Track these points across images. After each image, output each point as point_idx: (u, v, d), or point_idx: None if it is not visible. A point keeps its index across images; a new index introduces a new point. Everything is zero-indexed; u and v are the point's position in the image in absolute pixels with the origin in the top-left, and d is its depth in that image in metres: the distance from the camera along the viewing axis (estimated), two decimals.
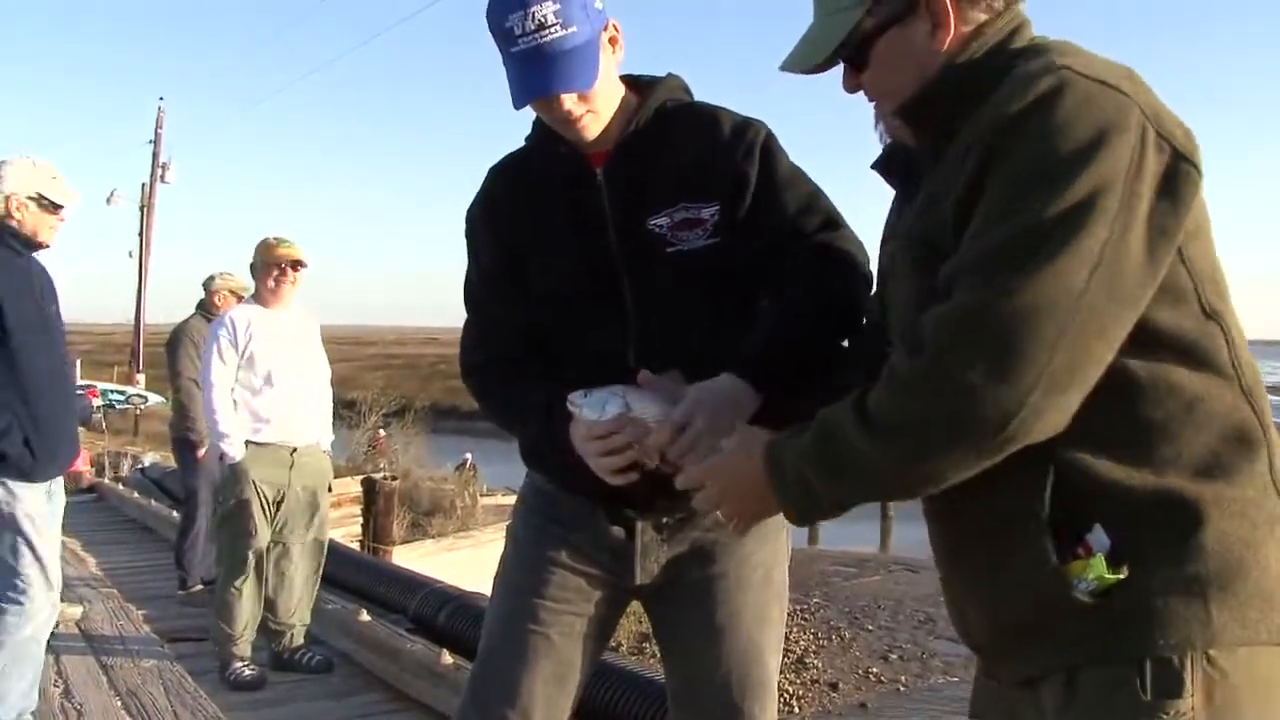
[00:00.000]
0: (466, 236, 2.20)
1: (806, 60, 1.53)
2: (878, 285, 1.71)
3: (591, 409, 1.86)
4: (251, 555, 5.04)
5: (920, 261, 1.42)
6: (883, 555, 17.81)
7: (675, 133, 2.07)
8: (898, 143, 1.64)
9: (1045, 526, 1.33)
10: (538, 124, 2.13)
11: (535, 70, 1.90)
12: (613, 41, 2.02)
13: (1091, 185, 1.23)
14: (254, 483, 5.00)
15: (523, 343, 2.12)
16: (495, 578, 2.22)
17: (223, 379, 5.04)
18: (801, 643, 11.88)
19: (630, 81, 2.12)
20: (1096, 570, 1.30)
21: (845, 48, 1.49)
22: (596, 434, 1.86)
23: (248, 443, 5.04)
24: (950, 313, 1.28)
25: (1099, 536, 1.32)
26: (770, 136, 2.08)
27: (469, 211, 2.20)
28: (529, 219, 2.10)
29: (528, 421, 2.06)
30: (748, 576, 2.10)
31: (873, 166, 1.69)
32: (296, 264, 5.17)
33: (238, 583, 5.04)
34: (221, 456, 5.10)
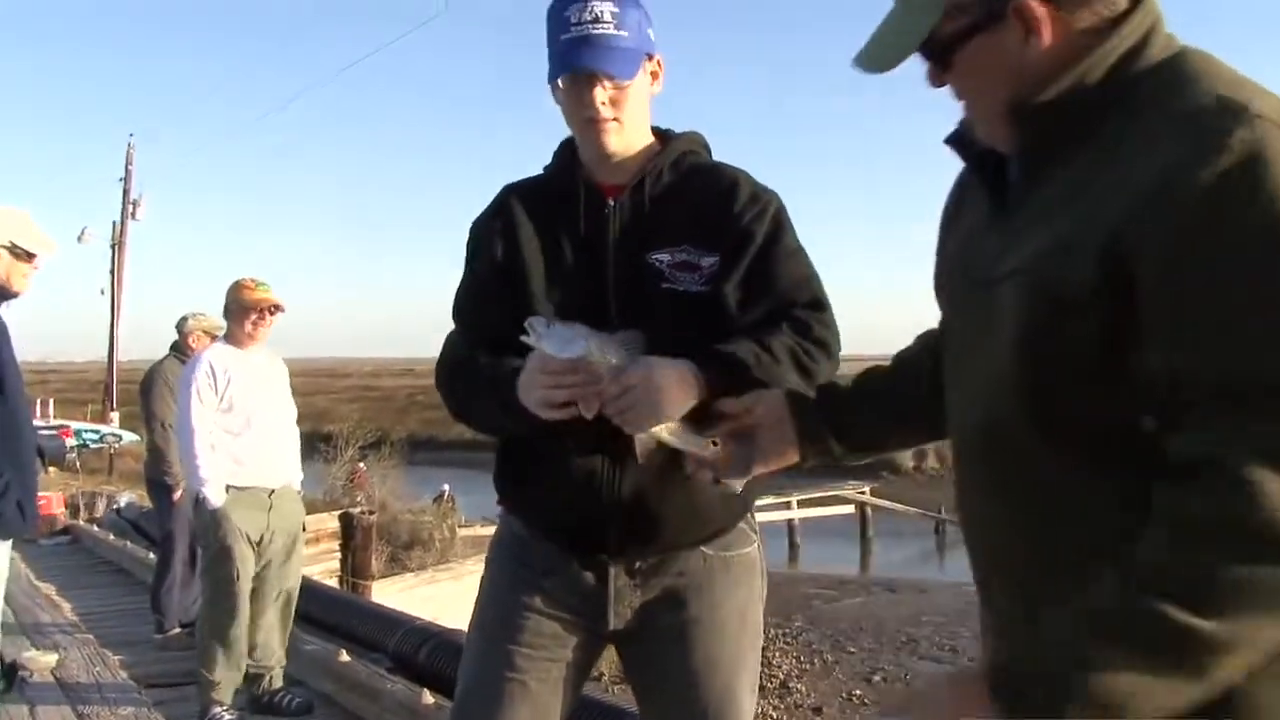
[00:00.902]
0: (469, 245, 2.22)
1: (878, 63, 1.39)
2: (940, 296, 1.57)
3: (552, 342, 1.83)
4: (237, 600, 5.01)
5: (1038, 311, 1.22)
6: (863, 577, 17.84)
7: (692, 183, 2.13)
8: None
9: None
10: (558, 154, 2.20)
11: (579, 50, 2.00)
12: (654, 75, 2.12)
13: None
14: (237, 528, 4.98)
15: (504, 350, 2.11)
16: (470, 624, 2.22)
17: (202, 423, 5.00)
18: (784, 667, 11.87)
19: (655, 130, 2.18)
20: None
21: (924, 52, 1.36)
22: (551, 369, 1.84)
23: (228, 487, 5.01)
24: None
25: None
26: (783, 208, 2.13)
27: (476, 221, 2.22)
28: (535, 236, 2.13)
29: (498, 386, 1.98)
30: (723, 620, 2.10)
31: (948, 141, 1.48)
32: (275, 308, 5.20)
33: (221, 628, 5.01)
34: (200, 500, 5.03)
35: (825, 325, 2.06)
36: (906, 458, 40.49)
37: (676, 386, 1.84)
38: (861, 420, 1.77)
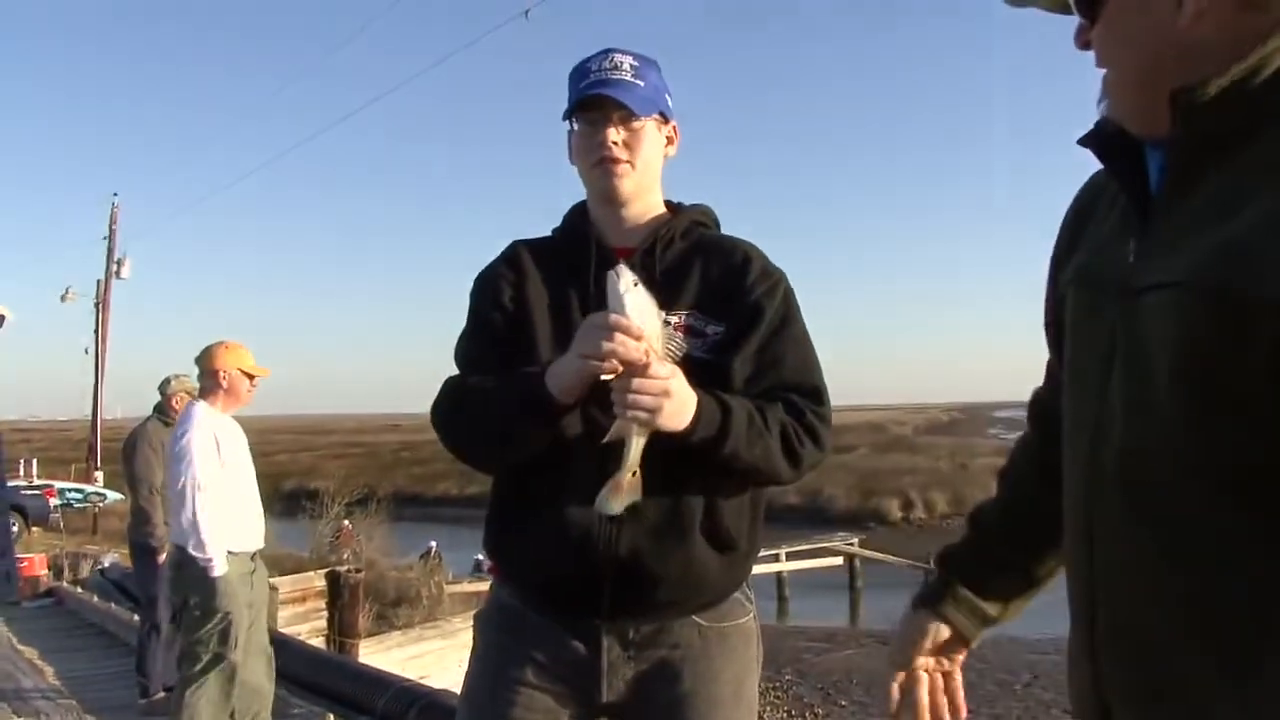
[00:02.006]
0: (475, 295, 2.20)
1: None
2: (1062, 317, 1.40)
3: (637, 300, 1.82)
4: (234, 670, 4.98)
5: (1203, 328, 1.07)
6: (853, 629, 17.73)
7: (703, 252, 2.15)
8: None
9: None
10: (568, 216, 2.23)
11: (594, 85, 2.09)
12: (669, 140, 2.20)
13: None
14: (238, 595, 4.97)
15: None
16: (460, 697, 2.20)
17: (211, 483, 4.96)
18: None
19: (666, 202, 2.23)
20: None
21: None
22: (613, 325, 1.80)
23: (232, 552, 4.99)
24: None
25: None
26: (791, 288, 2.16)
27: (483, 273, 2.21)
28: (545, 291, 2.13)
29: (518, 386, 1.96)
30: (718, 694, 2.07)
31: (1082, 141, 1.34)
32: (259, 376, 5.29)
33: (218, 696, 4.97)
34: (194, 565, 4.93)
35: (820, 416, 2.07)
36: (895, 509, 40.60)
37: (681, 402, 1.86)
38: (1007, 570, 1.64)
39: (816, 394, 2.10)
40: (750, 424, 1.96)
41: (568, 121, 2.15)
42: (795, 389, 2.07)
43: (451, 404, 2.11)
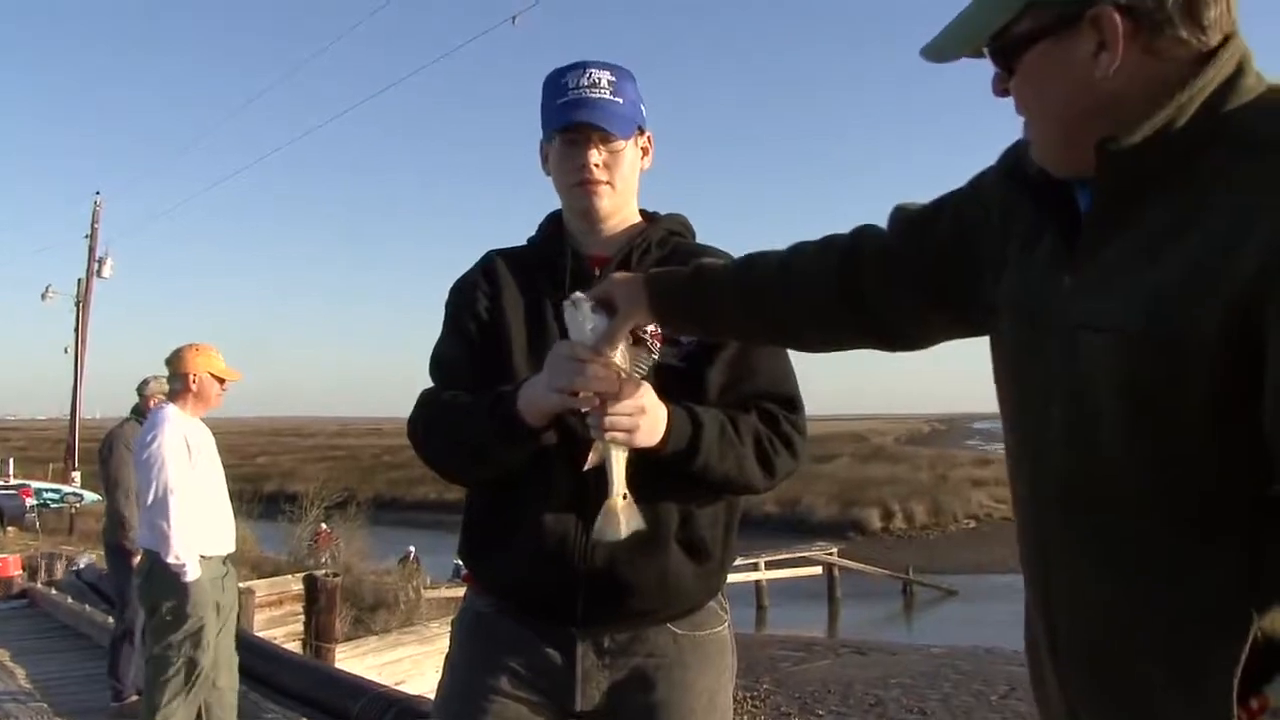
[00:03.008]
0: (449, 306, 2.20)
1: (941, 53, 1.32)
2: (997, 333, 1.44)
3: (587, 319, 1.81)
4: (200, 673, 4.94)
5: (1138, 366, 1.13)
6: (830, 639, 17.75)
7: (678, 262, 2.09)
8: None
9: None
10: (543, 226, 2.23)
11: (576, 108, 2.06)
12: (644, 151, 2.20)
13: None
14: (210, 600, 4.93)
15: None
16: (434, 706, 2.19)
17: (183, 487, 4.93)
18: None
19: (641, 211, 2.23)
20: None
21: (991, 48, 1.28)
22: (581, 355, 1.80)
23: (204, 557, 4.95)
24: None
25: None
26: None
27: (458, 282, 2.21)
28: (520, 300, 2.13)
29: (490, 408, 1.96)
30: (692, 703, 2.07)
31: (1004, 176, 1.42)
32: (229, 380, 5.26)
33: (181, 700, 4.92)
34: (165, 569, 4.91)
35: (794, 425, 2.08)
36: (874, 519, 40.64)
37: (660, 425, 1.88)
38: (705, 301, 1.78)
39: (791, 402, 2.11)
40: (722, 435, 1.97)
41: (543, 132, 2.14)
42: (770, 397, 2.08)
43: (426, 421, 2.11)
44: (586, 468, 1.86)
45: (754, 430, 2.01)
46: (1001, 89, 1.30)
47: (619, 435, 1.82)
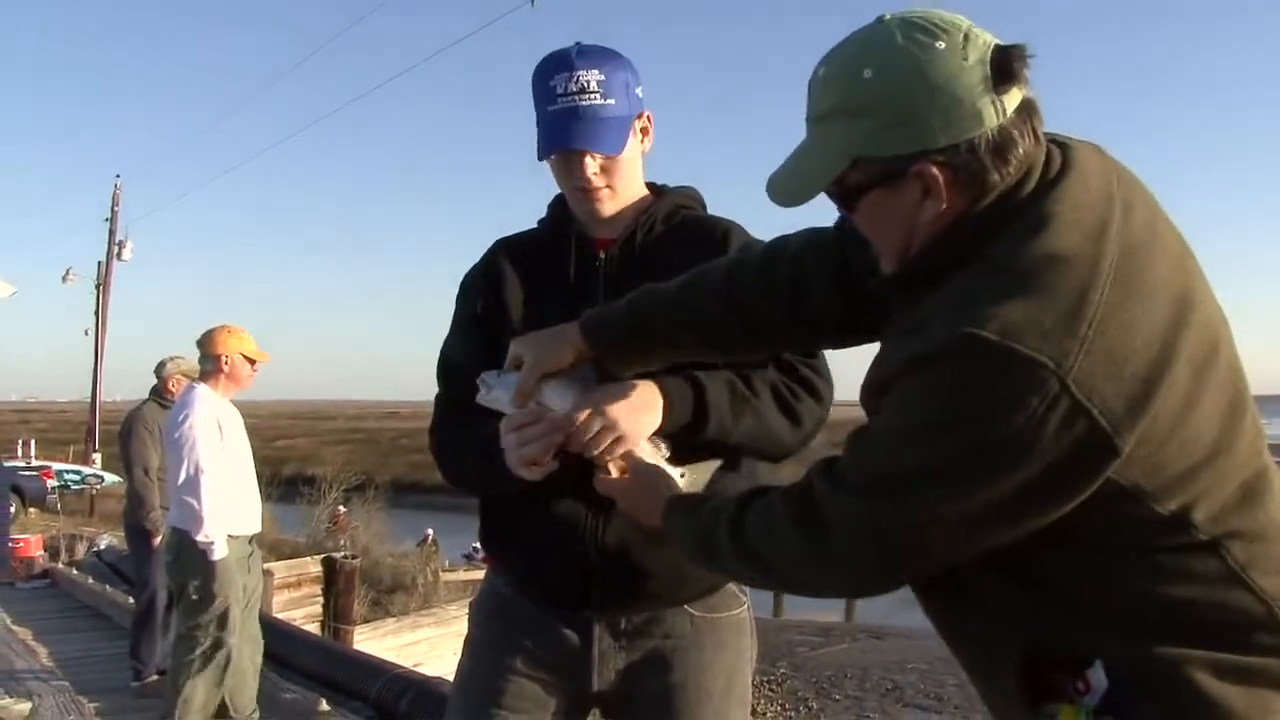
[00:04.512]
0: (459, 300, 2.21)
1: (786, 198, 1.45)
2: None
3: (503, 391, 1.85)
4: (226, 652, 4.98)
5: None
6: (848, 624, 17.72)
7: (684, 237, 2.12)
8: None
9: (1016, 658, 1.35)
10: (552, 208, 2.20)
11: (567, 126, 2.00)
12: (644, 132, 2.12)
13: None
14: (236, 580, 4.98)
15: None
16: (452, 686, 2.20)
17: (213, 466, 4.95)
18: (769, 714, 11.78)
19: (649, 184, 2.19)
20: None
21: (831, 193, 1.43)
22: (507, 427, 1.84)
23: (232, 535, 5.00)
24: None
25: (1099, 675, 1.27)
26: None
27: (466, 277, 2.21)
28: (522, 288, 2.13)
29: (489, 456, 1.96)
30: (708, 685, 2.07)
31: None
32: (260, 361, 5.29)
33: (209, 682, 4.97)
34: (193, 549, 4.94)
35: (813, 368, 2.03)
36: None
37: (631, 409, 1.84)
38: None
39: (809, 350, 2.05)
40: (733, 393, 1.93)
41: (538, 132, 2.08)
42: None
43: (439, 447, 2.16)
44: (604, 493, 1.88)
45: (769, 382, 1.97)
46: (846, 216, 1.49)
47: (594, 451, 1.81)
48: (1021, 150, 1.30)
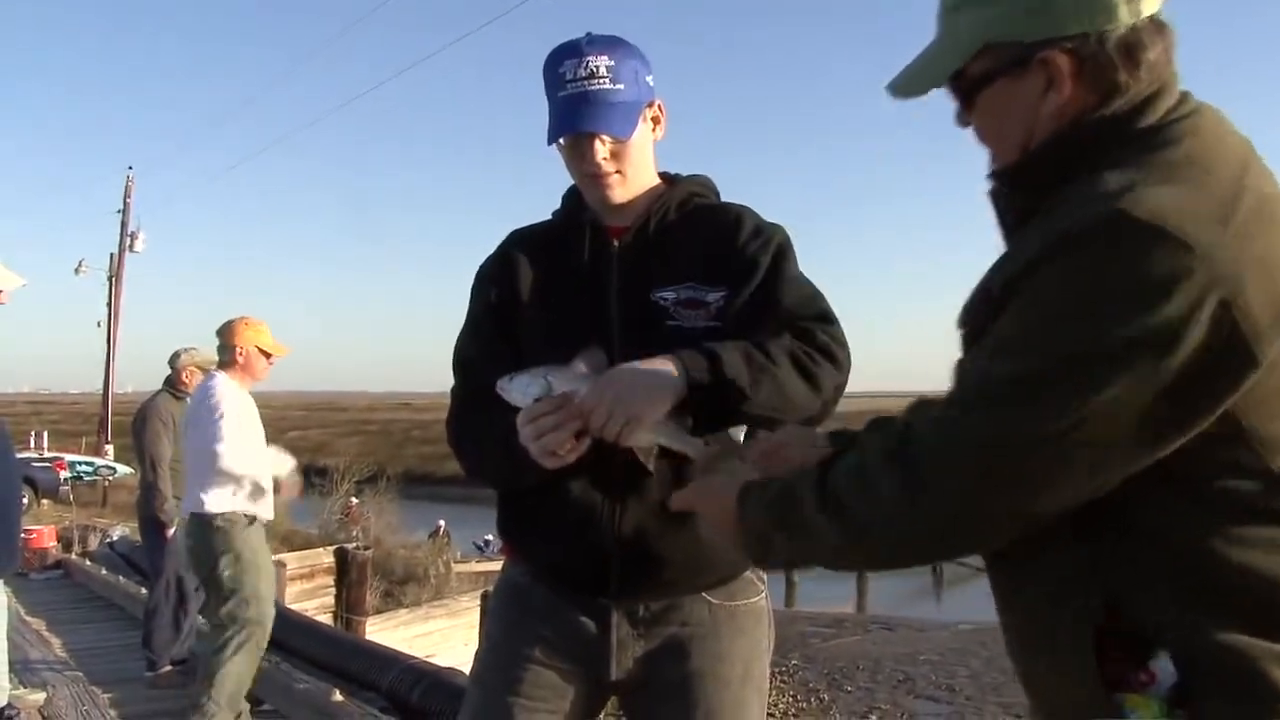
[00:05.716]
0: (473, 292, 2.21)
1: (906, 90, 1.44)
2: None
3: (516, 393, 1.86)
4: (258, 638, 5.07)
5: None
6: (860, 615, 17.73)
7: (697, 223, 2.12)
8: None
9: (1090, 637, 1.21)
10: (566, 199, 2.21)
11: (577, 110, 2.00)
12: (655, 120, 2.12)
13: None
14: (266, 565, 5.09)
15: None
16: (470, 674, 2.20)
17: (233, 451, 5.02)
18: (781, 705, 11.77)
19: (662, 174, 2.19)
20: (1152, 712, 1.16)
21: (952, 88, 1.42)
22: (524, 420, 1.83)
23: (252, 519, 5.06)
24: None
25: (1165, 665, 1.17)
26: (787, 240, 2.10)
27: (481, 268, 2.22)
28: (536, 279, 2.12)
29: (509, 446, 1.93)
30: (725, 673, 2.06)
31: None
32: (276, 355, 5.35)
33: (245, 673, 5.04)
34: (221, 532, 5.01)
35: (831, 335, 2.00)
36: None
37: (645, 387, 1.81)
38: None
39: (824, 317, 2.03)
40: (749, 361, 1.88)
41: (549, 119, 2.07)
42: (800, 317, 2.01)
43: (458, 439, 2.15)
44: (649, 466, 1.87)
45: (787, 349, 1.92)
46: (964, 122, 1.45)
47: (611, 432, 1.80)
48: (1151, 57, 1.29)
